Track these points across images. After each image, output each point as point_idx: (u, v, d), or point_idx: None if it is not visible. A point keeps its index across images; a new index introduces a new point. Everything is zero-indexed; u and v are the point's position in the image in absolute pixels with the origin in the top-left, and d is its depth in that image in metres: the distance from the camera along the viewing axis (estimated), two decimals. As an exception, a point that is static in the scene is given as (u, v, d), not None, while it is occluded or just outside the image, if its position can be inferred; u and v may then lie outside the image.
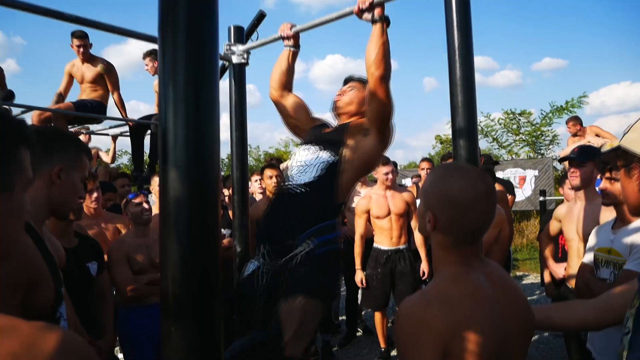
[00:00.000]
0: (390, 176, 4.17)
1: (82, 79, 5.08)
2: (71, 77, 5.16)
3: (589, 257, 2.45)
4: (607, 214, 2.55)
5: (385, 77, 2.02)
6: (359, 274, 4.21)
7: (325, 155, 2.15)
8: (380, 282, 4.16)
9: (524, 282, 7.64)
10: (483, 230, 1.25)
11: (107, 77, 5.07)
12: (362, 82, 2.33)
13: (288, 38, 2.43)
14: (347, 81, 2.43)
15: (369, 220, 4.27)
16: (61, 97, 5.11)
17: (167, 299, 0.88)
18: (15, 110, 5.08)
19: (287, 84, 2.51)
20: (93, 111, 4.89)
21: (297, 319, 1.90)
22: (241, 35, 2.73)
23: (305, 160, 2.20)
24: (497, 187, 3.57)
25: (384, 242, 4.21)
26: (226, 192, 4.83)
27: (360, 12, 2.02)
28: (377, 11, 2.00)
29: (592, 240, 2.50)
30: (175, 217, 0.88)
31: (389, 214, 4.14)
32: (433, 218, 1.23)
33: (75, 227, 2.70)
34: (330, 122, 2.45)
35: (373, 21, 2.02)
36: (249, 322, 2.08)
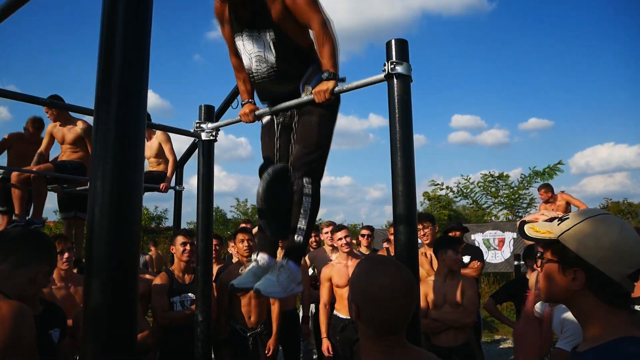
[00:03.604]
0: (345, 241, 4.25)
1: (62, 140, 5.16)
2: (52, 138, 5.25)
3: None
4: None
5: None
6: (325, 343, 4.21)
7: (266, 36, 2.31)
8: (340, 351, 4.16)
9: (501, 346, 7.59)
10: (404, 321, 1.37)
11: (88, 139, 5.11)
12: None
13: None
14: None
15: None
16: (42, 157, 5.21)
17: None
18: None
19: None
20: (73, 172, 4.97)
21: (315, 131, 2.32)
22: (211, 113, 2.92)
23: (256, 51, 2.37)
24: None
25: (342, 310, 4.23)
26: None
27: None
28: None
29: None
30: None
31: (349, 283, 4.17)
32: (357, 309, 1.35)
33: (40, 294, 2.76)
34: None
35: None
36: (271, 161, 2.48)
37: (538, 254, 1.29)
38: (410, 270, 1.40)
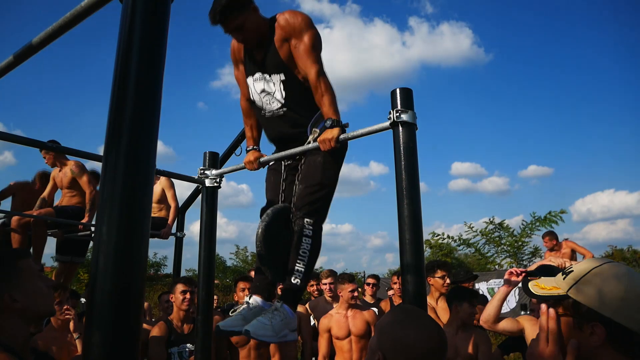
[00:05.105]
0: (355, 294, 4.15)
1: (61, 185, 5.17)
2: (55, 183, 5.27)
3: None
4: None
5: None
6: None
7: (276, 78, 2.38)
8: None
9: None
10: None
11: (78, 179, 5.05)
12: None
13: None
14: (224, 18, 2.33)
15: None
16: (44, 202, 5.21)
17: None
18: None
19: None
20: (73, 217, 4.96)
21: (319, 171, 2.30)
22: (215, 160, 2.92)
23: (267, 91, 2.43)
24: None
25: None
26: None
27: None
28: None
29: None
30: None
31: (349, 334, 4.05)
32: (383, 358, 1.29)
33: (33, 343, 2.69)
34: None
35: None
36: (274, 202, 2.45)
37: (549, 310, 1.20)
38: (443, 329, 1.35)
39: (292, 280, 2.16)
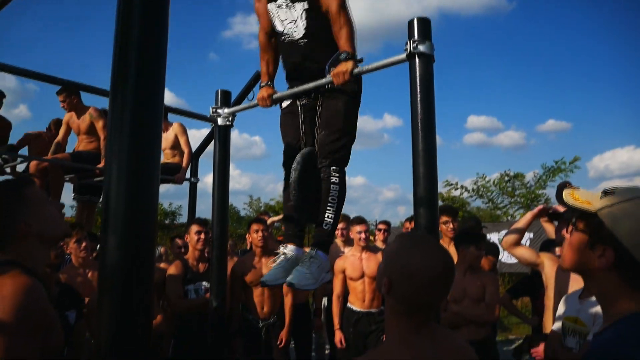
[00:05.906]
0: (363, 235, 4.16)
1: (78, 131, 5.16)
2: (69, 128, 5.25)
3: (557, 325, 2.48)
4: (575, 284, 2.59)
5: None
6: (338, 334, 4.17)
7: (299, 6, 2.37)
8: (352, 343, 4.10)
9: (515, 345, 7.49)
10: (436, 303, 1.31)
11: (95, 122, 5.04)
12: None
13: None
14: None
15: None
16: (59, 147, 5.23)
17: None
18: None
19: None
20: (89, 162, 4.99)
21: (341, 119, 2.33)
22: (228, 98, 2.89)
23: (290, 18, 2.41)
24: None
25: (356, 303, 4.18)
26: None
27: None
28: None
29: (561, 307, 2.54)
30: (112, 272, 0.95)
31: (362, 276, 4.13)
32: (389, 284, 1.30)
33: (57, 277, 2.79)
34: None
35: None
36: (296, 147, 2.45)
37: (572, 219, 1.17)
38: (451, 255, 1.34)
39: (324, 227, 2.28)
